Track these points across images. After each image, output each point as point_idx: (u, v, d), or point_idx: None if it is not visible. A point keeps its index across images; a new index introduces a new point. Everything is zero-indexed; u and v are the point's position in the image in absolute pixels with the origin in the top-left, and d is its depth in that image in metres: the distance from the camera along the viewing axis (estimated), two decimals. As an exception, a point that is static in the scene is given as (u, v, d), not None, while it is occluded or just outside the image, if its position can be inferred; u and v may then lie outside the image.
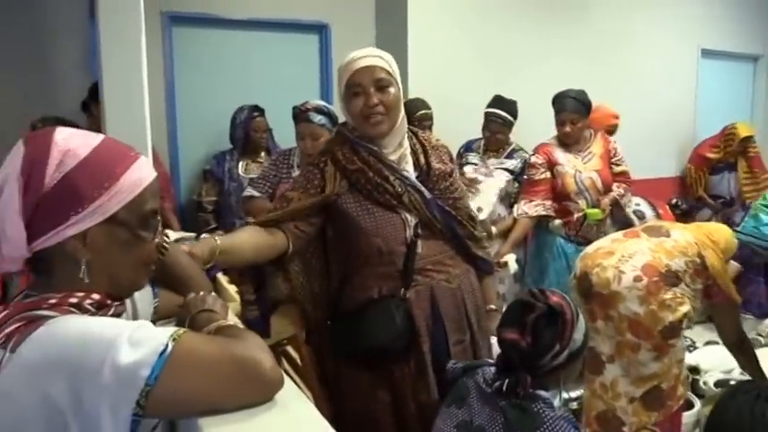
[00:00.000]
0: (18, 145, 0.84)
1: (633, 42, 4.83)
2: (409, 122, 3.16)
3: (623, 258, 2.03)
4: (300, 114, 2.72)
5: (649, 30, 4.91)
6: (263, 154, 3.49)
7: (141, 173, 0.87)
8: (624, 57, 4.77)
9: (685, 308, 1.96)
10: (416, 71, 3.93)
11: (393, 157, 1.67)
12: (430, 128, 3.34)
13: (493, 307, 1.86)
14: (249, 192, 2.88)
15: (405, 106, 3.36)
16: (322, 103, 2.81)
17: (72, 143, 0.84)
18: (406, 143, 1.71)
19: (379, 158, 1.64)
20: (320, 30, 4.10)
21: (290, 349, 1.89)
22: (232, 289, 1.71)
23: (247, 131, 3.46)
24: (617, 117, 3.70)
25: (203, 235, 2.16)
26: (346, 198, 1.65)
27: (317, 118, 2.67)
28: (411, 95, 3.75)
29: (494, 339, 1.72)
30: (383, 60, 1.62)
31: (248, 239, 1.55)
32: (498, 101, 3.29)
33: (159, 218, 0.91)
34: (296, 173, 2.79)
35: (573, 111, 3.06)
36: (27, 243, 0.81)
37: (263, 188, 2.85)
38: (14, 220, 0.80)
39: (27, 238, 0.81)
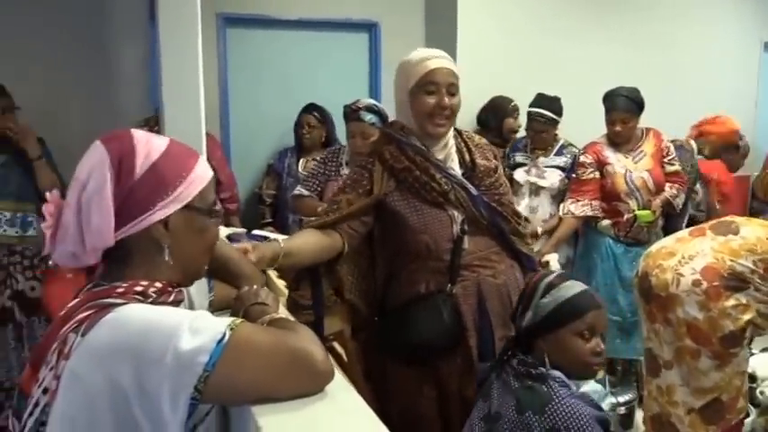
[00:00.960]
0: (95, 145, 0.91)
1: (691, 37, 4.65)
2: (504, 115, 3.34)
3: (683, 260, 1.96)
4: (351, 113, 2.75)
5: (708, 24, 4.72)
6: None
7: (205, 166, 0.96)
8: (681, 52, 4.60)
9: (749, 315, 1.87)
10: (465, 70, 3.85)
11: (440, 156, 1.69)
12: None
13: None
14: (299, 190, 2.93)
15: (494, 102, 3.32)
16: (372, 101, 2.84)
17: (151, 139, 0.93)
18: (452, 142, 1.73)
19: (425, 157, 1.66)
20: (370, 28, 4.13)
21: (335, 345, 1.93)
22: (281, 284, 1.75)
23: None
24: (736, 133, 3.54)
25: (255, 231, 2.23)
26: (394, 196, 1.67)
27: (368, 117, 2.70)
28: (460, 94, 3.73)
29: None
30: (452, 63, 1.67)
31: (308, 242, 1.59)
32: (540, 99, 3.23)
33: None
34: (345, 171, 2.82)
35: (624, 110, 2.98)
36: (114, 231, 0.87)
37: (312, 187, 2.89)
38: (104, 208, 0.86)
39: (114, 226, 0.87)
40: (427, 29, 4.23)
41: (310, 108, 3.52)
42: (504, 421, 1.32)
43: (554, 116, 3.18)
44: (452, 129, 1.74)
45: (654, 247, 2.14)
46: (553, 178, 3.19)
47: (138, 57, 3.65)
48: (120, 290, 0.87)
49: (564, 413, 1.24)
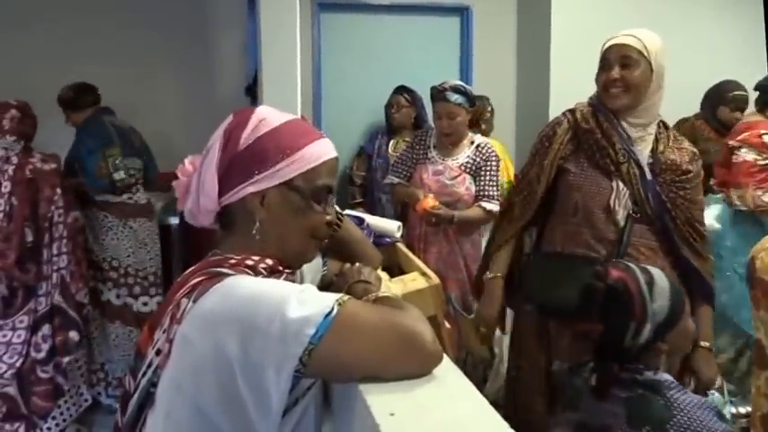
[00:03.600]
0: (229, 117, 0.96)
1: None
2: (717, 103, 3.08)
3: None
4: (438, 94, 2.71)
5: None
6: None
7: (322, 149, 0.95)
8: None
9: None
10: (558, 55, 3.77)
11: (632, 133, 1.70)
12: (743, 111, 3.13)
13: (705, 344, 1.76)
14: (389, 179, 2.92)
15: (714, 87, 3.13)
16: (460, 82, 2.78)
17: (268, 115, 0.95)
18: (652, 129, 1.73)
19: (613, 125, 1.69)
20: (461, 12, 4.08)
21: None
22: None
23: None
24: None
25: (346, 211, 2.26)
26: (569, 158, 1.76)
27: (454, 97, 2.65)
28: (553, 80, 3.62)
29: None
30: (636, 40, 1.66)
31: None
32: None
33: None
34: (432, 153, 2.78)
35: None
36: (218, 197, 0.92)
37: (401, 173, 2.86)
38: (212, 174, 0.91)
39: (218, 192, 0.91)
40: (519, 12, 4.13)
41: (401, 89, 3.53)
42: None
43: None
44: (656, 114, 1.73)
45: None
46: None
47: (236, 45, 3.78)
48: (232, 261, 0.89)
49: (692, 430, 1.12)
